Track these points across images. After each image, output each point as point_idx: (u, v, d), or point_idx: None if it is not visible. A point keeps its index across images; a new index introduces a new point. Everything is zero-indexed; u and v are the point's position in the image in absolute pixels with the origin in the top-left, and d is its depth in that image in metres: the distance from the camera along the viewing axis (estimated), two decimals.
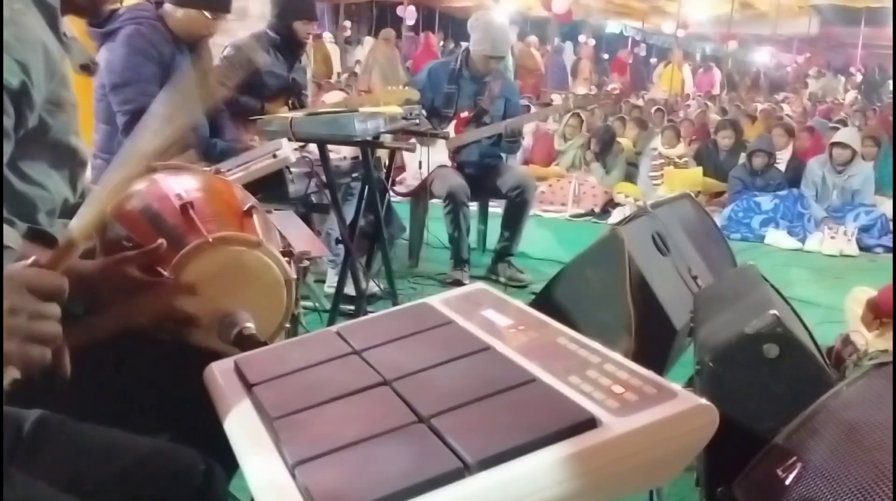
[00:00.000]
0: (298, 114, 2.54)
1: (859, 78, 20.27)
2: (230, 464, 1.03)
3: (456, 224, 4.34)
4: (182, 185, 1.46)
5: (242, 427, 0.92)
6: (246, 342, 1.27)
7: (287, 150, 2.24)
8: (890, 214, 6.15)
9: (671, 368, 3.18)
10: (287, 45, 3.86)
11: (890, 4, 16.27)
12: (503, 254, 4.53)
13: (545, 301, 3.34)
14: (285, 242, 1.53)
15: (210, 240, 1.31)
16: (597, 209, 6.75)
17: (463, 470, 0.76)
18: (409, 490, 0.73)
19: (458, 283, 4.31)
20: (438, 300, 1.18)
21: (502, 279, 4.46)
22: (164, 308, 1.23)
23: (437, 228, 4.77)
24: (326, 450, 0.82)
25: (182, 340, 1.27)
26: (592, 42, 20.98)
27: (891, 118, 10.49)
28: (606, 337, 3.14)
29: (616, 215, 6.17)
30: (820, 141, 7.42)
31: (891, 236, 5.90)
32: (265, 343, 1.27)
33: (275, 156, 2.23)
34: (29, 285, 0.83)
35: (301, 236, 1.63)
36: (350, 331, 1.12)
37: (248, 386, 1.01)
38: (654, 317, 3.10)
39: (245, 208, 1.43)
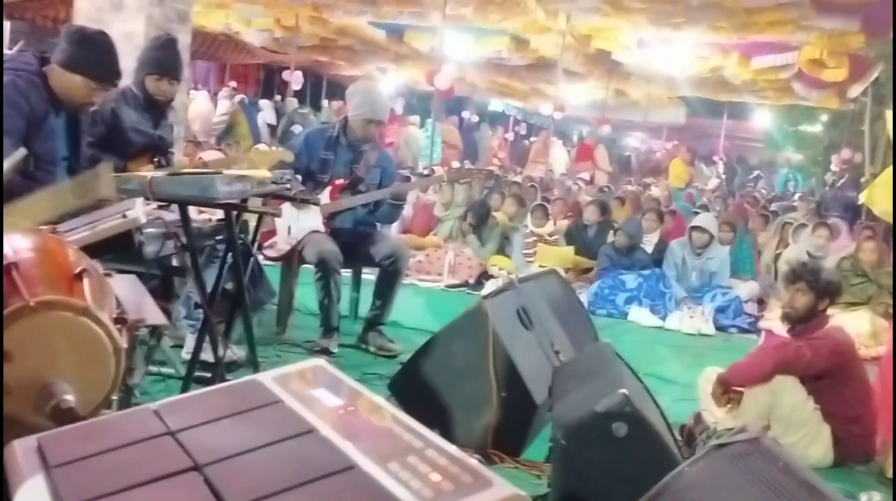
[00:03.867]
0: (159, 173, 2.45)
1: (721, 167, 21.66)
2: None
3: (326, 291, 4.28)
4: (10, 244, 1.37)
5: None
6: (63, 415, 1.19)
7: (138, 210, 2.16)
8: (744, 296, 6.50)
9: (532, 442, 3.20)
10: (149, 102, 3.77)
11: (749, 100, 17.60)
12: (374, 323, 4.48)
13: (411, 372, 3.32)
14: (122, 308, 1.45)
15: (31, 304, 1.23)
16: (471, 281, 6.83)
17: None
18: None
19: (327, 351, 4.23)
20: (270, 377, 1.14)
21: (372, 348, 4.41)
22: None
23: (307, 294, 4.69)
24: None
25: None
26: (476, 118, 21.66)
27: (746, 206, 11.23)
28: (470, 410, 3.17)
29: (489, 287, 6.26)
30: (682, 224, 7.82)
31: (744, 317, 6.24)
32: (84, 418, 1.19)
33: (124, 216, 2.14)
34: None
35: (138, 303, 1.56)
36: (169, 409, 1.06)
37: (47, 468, 0.93)
38: (516, 391, 3.13)
39: (76, 271, 1.35)
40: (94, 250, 2.01)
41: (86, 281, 1.34)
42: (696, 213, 8.38)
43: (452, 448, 0.90)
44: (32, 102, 2.95)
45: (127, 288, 1.63)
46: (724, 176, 20.47)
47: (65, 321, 1.25)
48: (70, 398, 1.20)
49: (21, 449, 1.00)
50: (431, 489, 0.82)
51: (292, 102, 14.18)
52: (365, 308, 4.67)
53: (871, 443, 3.32)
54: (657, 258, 6.82)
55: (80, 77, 3.01)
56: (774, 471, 1.89)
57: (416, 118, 15.85)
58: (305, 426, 0.98)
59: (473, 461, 0.87)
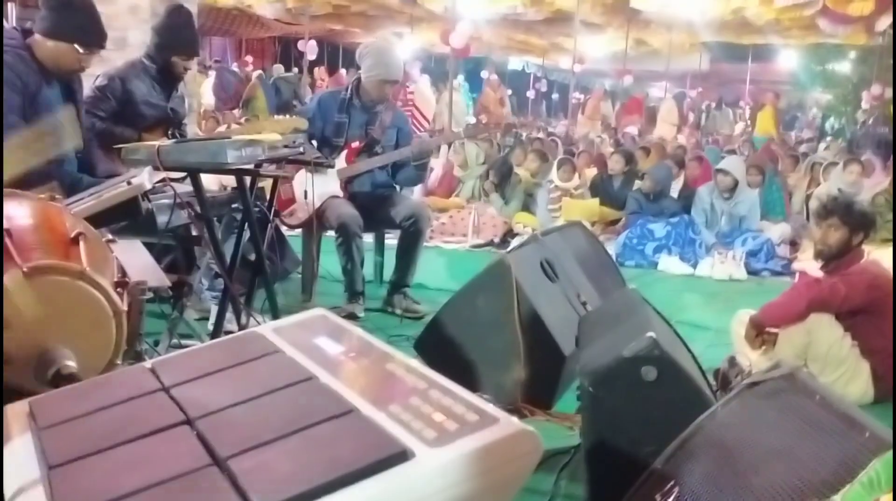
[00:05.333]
0: (166, 141, 2.41)
1: (748, 112, 21.23)
2: None
3: (349, 256, 4.25)
4: (6, 211, 1.34)
5: (18, 478, 0.81)
6: (65, 382, 1.16)
7: (143, 177, 2.12)
8: (775, 239, 6.37)
9: (563, 394, 3.16)
10: (163, 75, 3.72)
11: (773, 41, 17.17)
12: (398, 285, 4.45)
13: (437, 331, 3.28)
14: (124, 272, 1.41)
15: (25, 269, 1.19)
16: (496, 240, 6.77)
17: None
18: None
19: (353, 316, 4.21)
20: (270, 329, 1.10)
21: (398, 311, 4.38)
22: None
23: (331, 261, 4.66)
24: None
25: None
26: (495, 78, 21.41)
27: (774, 148, 10.98)
28: (498, 365, 3.12)
29: (514, 245, 6.19)
30: (709, 170, 7.67)
31: (776, 259, 6.11)
32: None
33: (129, 183, 2.10)
34: None
35: (140, 266, 1.52)
36: (164, 366, 1.03)
37: (37, 430, 0.90)
38: (544, 343, 3.07)
39: (72, 236, 1.31)
40: (103, 219, 1.98)
41: (82, 245, 1.30)
42: (723, 158, 8.21)
43: (458, 388, 0.85)
44: (23, 78, 2.90)
45: (130, 253, 1.60)
46: (749, 120, 20.06)
47: (61, 286, 1.22)
48: (71, 363, 1.17)
49: (13, 413, 0.97)
50: (434, 428, 0.77)
51: (278, 69, 14.07)
52: (389, 272, 4.64)
53: None
54: (685, 205, 6.69)
55: (66, 44, 2.95)
56: (811, 406, 1.82)
57: (425, 77, 15.61)
58: (304, 373, 0.94)
59: (479, 399, 0.82)
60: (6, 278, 1.19)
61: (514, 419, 0.79)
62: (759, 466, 1.74)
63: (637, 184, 7.02)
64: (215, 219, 2.86)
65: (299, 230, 4.59)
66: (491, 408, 0.81)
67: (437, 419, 0.79)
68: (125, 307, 1.26)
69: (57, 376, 1.16)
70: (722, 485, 1.77)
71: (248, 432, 0.81)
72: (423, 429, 0.78)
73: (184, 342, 3.06)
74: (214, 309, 3.65)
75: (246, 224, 2.91)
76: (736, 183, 6.37)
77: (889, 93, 13.31)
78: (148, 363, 1.07)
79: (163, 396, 0.94)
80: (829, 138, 15.83)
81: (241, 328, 2.90)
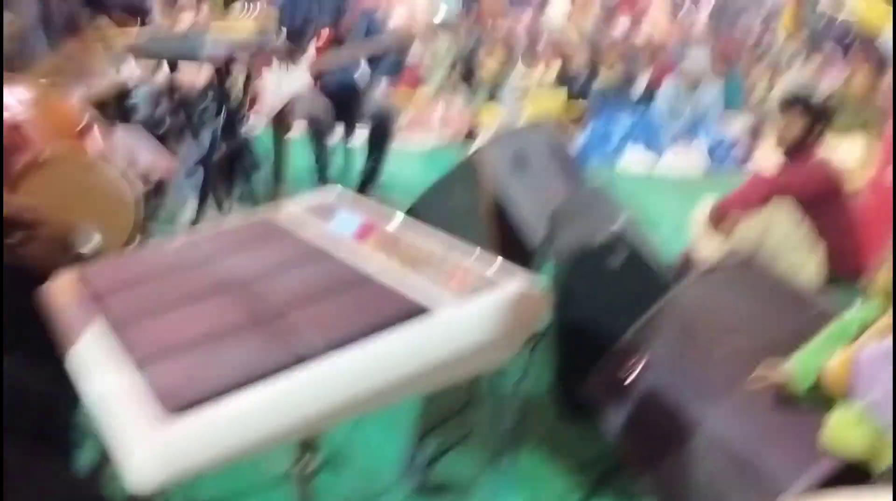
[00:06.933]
0: (145, 33, 2.42)
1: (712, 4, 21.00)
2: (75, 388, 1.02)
3: (321, 148, 4.28)
4: (15, 97, 1.39)
5: (87, 337, 0.92)
6: (90, 258, 1.25)
7: (131, 68, 2.15)
8: (736, 130, 6.51)
9: None
10: None
11: None
12: (367, 182, 4.50)
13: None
14: (131, 158, 1.48)
15: (44, 156, 1.26)
16: (462, 134, 6.81)
17: (301, 359, 0.79)
18: (252, 377, 0.76)
19: None
20: (286, 207, 1.19)
21: None
22: None
23: (297, 156, 4.69)
24: (172, 348, 0.83)
25: (20, 258, 1.22)
26: None
27: (737, 39, 10.96)
28: None
29: (482, 139, 6.25)
30: (673, 63, 7.71)
31: (735, 152, 6.27)
32: None
33: (118, 74, 2.13)
34: None
35: (148, 153, 1.59)
36: (194, 242, 1.12)
37: (92, 296, 1.00)
38: (513, 235, 3.20)
39: (83, 124, 1.38)
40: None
41: (94, 132, 1.36)
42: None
43: (473, 252, 0.96)
44: None
45: (133, 140, 1.65)
46: (713, 12, 19.87)
47: (79, 171, 1.29)
48: (95, 241, 1.25)
49: (62, 284, 1.06)
50: (450, 288, 0.88)
51: None
52: (357, 169, 4.67)
53: (861, 259, 3.42)
54: (647, 98, 6.77)
55: None
56: (766, 286, 1.99)
57: None
58: (326, 248, 1.04)
59: (495, 259, 0.93)
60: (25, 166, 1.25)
61: (525, 276, 0.90)
62: (719, 338, 1.91)
63: (600, 80, 7.05)
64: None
65: (263, 125, 4.58)
66: (507, 266, 0.92)
67: (451, 282, 0.90)
68: (140, 190, 1.34)
69: (82, 252, 1.24)
70: (683, 355, 1.95)
71: (285, 296, 0.91)
72: (439, 290, 0.89)
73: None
74: (192, 200, 3.70)
75: (224, 116, 2.94)
76: (701, 76, 6.46)
77: None
78: (178, 240, 1.16)
79: (201, 267, 1.04)
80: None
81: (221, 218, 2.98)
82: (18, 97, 1.38)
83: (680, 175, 5.92)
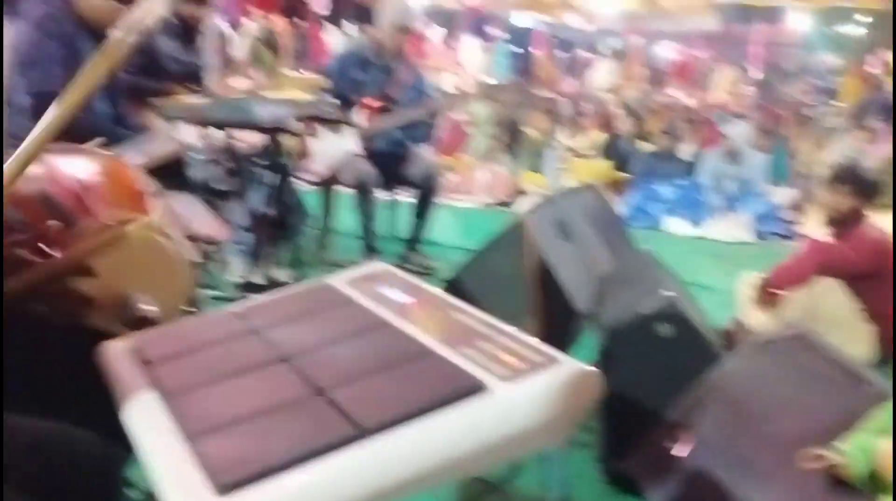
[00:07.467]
0: (202, 99, 2.50)
1: (759, 74, 21.06)
2: (127, 448, 1.03)
3: (366, 212, 4.36)
4: (79, 168, 1.44)
5: (139, 405, 0.93)
6: (146, 324, 1.27)
7: (191, 135, 2.21)
8: (781, 202, 6.46)
9: (575, 349, 3.28)
10: (182, 28, 3.77)
11: (785, 2, 17.02)
12: (413, 242, 4.56)
13: (456, 288, 3.39)
14: (187, 225, 1.52)
15: (109, 224, 1.30)
16: (505, 199, 6.85)
17: (357, 436, 0.79)
18: (305, 454, 0.76)
19: None
20: (339, 280, 1.20)
21: (412, 267, 4.49)
22: (59, 291, 1.21)
23: (344, 218, 4.76)
24: (224, 422, 0.83)
25: (78, 322, 1.25)
26: (504, 35, 21.15)
27: (781, 112, 10.97)
28: (513, 320, 3.23)
29: (523, 205, 6.27)
30: (718, 133, 7.72)
31: (782, 223, 6.21)
32: None
33: (177, 141, 2.19)
34: None
35: (203, 220, 1.63)
36: (248, 311, 1.14)
37: (146, 364, 1.01)
38: (558, 301, 3.19)
39: (144, 192, 1.42)
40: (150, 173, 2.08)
41: (155, 200, 1.40)
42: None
43: (520, 333, 0.97)
44: (64, 28, 2.94)
45: (188, 207, 1.70)
46: (759, 83, 19.91)
47: (141, 238, 1.32)
48: (151, 308, 1.28)
49: (116, 350, 1.08)
50: (504, 367, 0.88)
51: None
52: (403, 229, 4.74)
53: None
54: (692, 168, 6.76)
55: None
56: (817, 361, 1.94)
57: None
58: (379, 320, 1.05)
59: (540, 342, 0.93)
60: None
61: (575, 361, 0.90)
62: (768, 415, 1.86)
63: (645, 145, 7.09)
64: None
65: (311, 187, 4.68)
66: (552, 351, 0.92)
67: (505, 360, 0.90)
68: (197, 258, 1.37)
69: (138, 318, 1.27)
70: (733, 433, 1.90)
71: (340, 369, 0.92)
72: (495, 367, 0.89)
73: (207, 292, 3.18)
74: (236, 261, 3.76)
75: (277, 179, 3.00)
76: (744, 147, 6.45)
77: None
78: (230, 309, 1.18)
79: (255, 336, 1.05)
80: (834, 103, 15.76)
81: (270, 280, 3.02)
82: (83, 168, 1.42)
83: (725, 242, 5.86)
